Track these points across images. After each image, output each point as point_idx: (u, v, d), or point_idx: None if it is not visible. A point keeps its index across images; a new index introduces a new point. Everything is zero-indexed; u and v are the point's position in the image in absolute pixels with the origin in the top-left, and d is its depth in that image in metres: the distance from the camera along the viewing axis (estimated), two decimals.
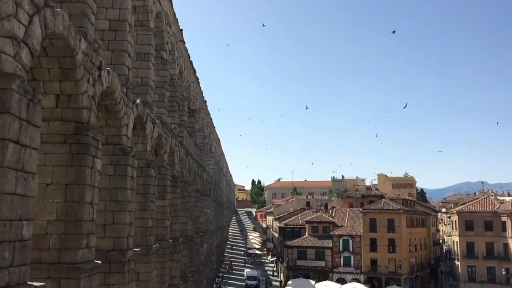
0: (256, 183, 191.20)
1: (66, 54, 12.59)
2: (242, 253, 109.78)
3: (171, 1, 29.29)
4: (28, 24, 9.87)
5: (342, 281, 66.70)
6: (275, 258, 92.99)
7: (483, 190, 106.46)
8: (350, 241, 70.26)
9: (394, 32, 63.73)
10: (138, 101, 20.14)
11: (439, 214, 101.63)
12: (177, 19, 32.12)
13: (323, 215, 77.60)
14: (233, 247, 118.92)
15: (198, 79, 47.31)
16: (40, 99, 10.05)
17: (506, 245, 68.38)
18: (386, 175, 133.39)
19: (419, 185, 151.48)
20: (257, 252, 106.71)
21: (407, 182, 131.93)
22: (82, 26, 13.88)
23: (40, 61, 12.50)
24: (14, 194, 9.06)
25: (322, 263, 70.60)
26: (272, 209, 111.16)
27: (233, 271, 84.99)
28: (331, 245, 70.69)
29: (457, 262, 73.00)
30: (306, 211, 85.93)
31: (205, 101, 57.80)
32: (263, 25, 72.62)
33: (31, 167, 9.72)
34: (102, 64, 15.18)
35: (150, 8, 23.40)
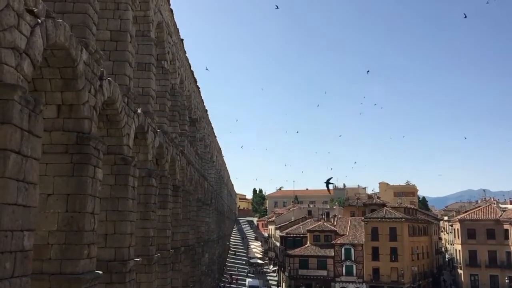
0: (257, 192, 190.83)
1: (68, 64, 12.64)
2: (244, 262, 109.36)
3: (172, 11, 29.45)
4: (29, 35, 9.93)
5: None
6: (277, 268, 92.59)
7: (485, 198, 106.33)
8: (352, 250, 69.98)
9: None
10: (139, 110, 20.19)
11: (441, 222, 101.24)
12: (178, 29, 32.28)
13: (325, 224, 77.31)
14: (236, 254, 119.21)
15: (199, 88, 47.44)
16: (41, 109, 10.09)
17: (508, 253, 68.07)
18: (387, 184, 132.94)
19: (421, 193, 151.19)
20: (259, 261, 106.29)
21: (408, 191, 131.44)
22: (84, 36, 13.96)
23: (41, 72, 12.56)
24: (15, 204, 9.07)
25: (324, 272, 70.28)
26: (273, 218, 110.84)
27: (235, 281, 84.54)
28: (333, 254, 70.40)
29: (460, 271, 72.67)
30: (308, 220, 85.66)
31: (206, 110, 57.90)
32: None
33: (32, 178, 9.72)
34: (104, 74, 15.25)
35: (151, 18, 23.53)
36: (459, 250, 73.35)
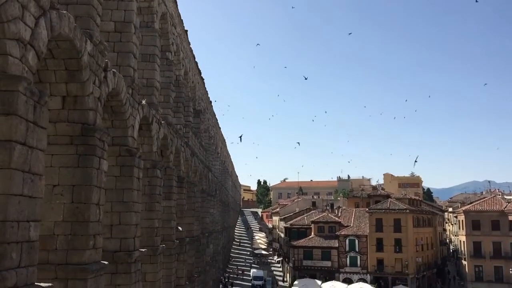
0: (262, 183, 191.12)
1: (72, 56, 12.65)
2: (248, 253, 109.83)
3: (176, 2, 29.35)
4: (34, 27, 9.93)
5: (348, 281, 66.52)
6: (281, 258, 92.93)
7: (490, 189, 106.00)
8: (356, 241, 70.06)
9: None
10: (143, 102, 20.21)
11: (446, 213, 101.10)
12: (182, 20, 32.18)
13: (329, 215, 77.38)
14: (240, 244, 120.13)
15: (203, 79, 47.37)
16: (46, 101, 10.11)
17: None
18: (392, 175, 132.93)
19: (426, 184, 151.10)
20: (263, 252, 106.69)
21: (413, 182, 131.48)
22: (88, 28, 13.94)
23: (46, 63, 12.57)
24: (21, 195, 9.12)
25: (328, 263, 70.46)
26: (278, 209, 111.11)
27: (240, 272, 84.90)
28: (337, 245, 70.51)
29: (464, 262, 72.63)
30: (312, 211, 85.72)
31: (210, 102, 57.86)
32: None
33: (38, 169, 9.77)
34: (108, 66, 15.25)
35: (155, 10, 23.46)
36: (464, 242, 73.27)
